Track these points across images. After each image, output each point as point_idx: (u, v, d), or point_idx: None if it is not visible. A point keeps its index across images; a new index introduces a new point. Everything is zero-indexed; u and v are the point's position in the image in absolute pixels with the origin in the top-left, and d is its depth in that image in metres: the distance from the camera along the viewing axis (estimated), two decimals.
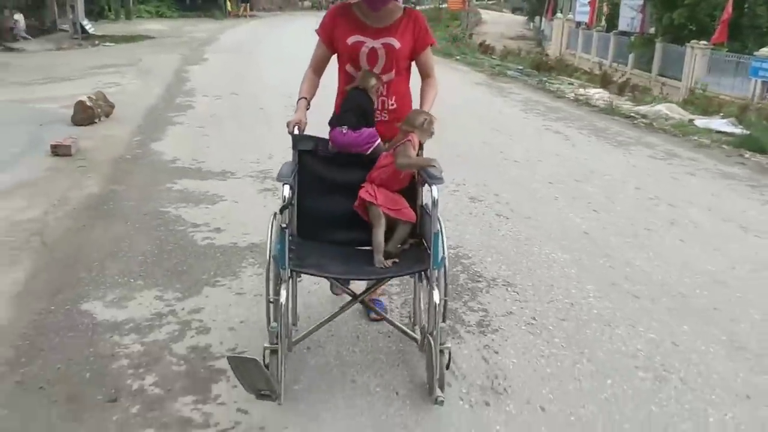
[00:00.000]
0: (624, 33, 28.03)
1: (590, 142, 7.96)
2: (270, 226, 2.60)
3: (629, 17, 27.91)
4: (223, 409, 2.63)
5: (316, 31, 2.99)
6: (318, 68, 3.01)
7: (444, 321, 2.57)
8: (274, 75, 12.32)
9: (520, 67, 15.20)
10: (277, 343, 2.53)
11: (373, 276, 2.72)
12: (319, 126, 2.98)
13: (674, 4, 23.10)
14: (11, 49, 18.23)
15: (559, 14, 37.23)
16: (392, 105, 2.95)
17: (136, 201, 5.14)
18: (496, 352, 3.10)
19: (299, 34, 18.99)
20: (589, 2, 31.92)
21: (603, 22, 31.79)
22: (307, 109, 2.94)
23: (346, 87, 2.93)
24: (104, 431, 2.49)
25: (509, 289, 3.79)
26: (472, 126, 8.57)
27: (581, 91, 11.58)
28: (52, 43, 19.85)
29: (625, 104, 10.46)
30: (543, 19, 42.69)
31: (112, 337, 3.15)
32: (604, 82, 12.89)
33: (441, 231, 2.53)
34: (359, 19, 2.89)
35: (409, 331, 2.99)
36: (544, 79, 13.19)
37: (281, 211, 2.54)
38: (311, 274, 2.75)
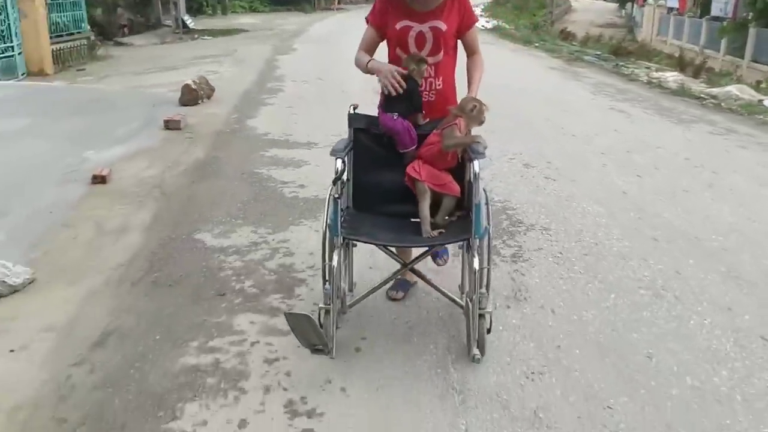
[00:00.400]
0: (716, 18, 27.20)
1: (652, 120, 8.36)
2: (327, 198, 2.84)
3: (722, 2, 27.09)
4: (303, 303, 3.47)
5: (366, 18, 3.18)
6: (369, 50, 3.17)
7: (485, 288, 2.80)
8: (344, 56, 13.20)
9: (598, 53, 15.43)
10: (329, 304, 2.75)
11: (418, 244, 2.98)
12: (367, 107, 3.34)
13: None
14: (121, 44, 20.03)
15: (650, 0, 36.35)
16: (439, 85, 3.11)
17: (235, 164, 6.10)
18: (523, 275, 3.79)
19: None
20: None
21: (695, 8, 30.87)
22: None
23: None
24: (216, 313, 3.38)
25: (544, 232, 4.45)
26: (538, 106, 9.12)
27: (655, 74, 11.81)
28: (157, 37, 21.60)
29: (698, 86, 10.65)
30: (634, 5, 41.72)
31: (219, 256, 4.06)
32: (681, 65, 12.99)
33: (484, 202, 2.77)
34: (407, 4, 3.06)
35: (455, 298, 3.16)
36: (621, 63, 13.42)
37: (334, 182, 2.77)
38: (362, 241, 3.01)
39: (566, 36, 19.69)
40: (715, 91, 9.99)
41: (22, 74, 12.67)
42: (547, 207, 4.94)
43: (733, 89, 9.85)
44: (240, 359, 2.93)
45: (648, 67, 13.09)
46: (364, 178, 3.12)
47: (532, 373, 2.81)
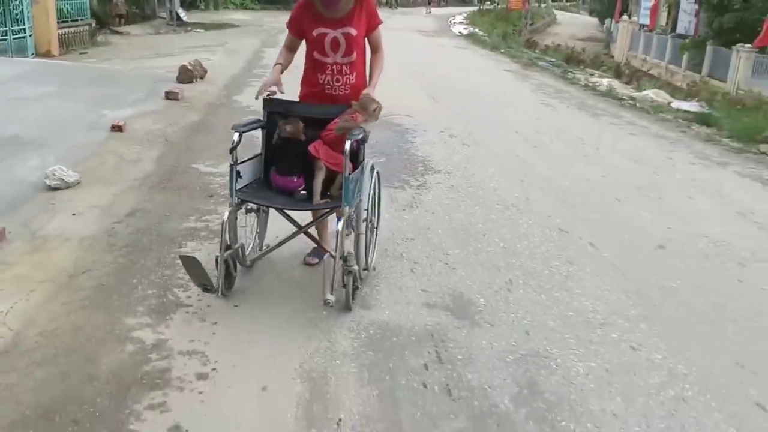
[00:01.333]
0: (681, 36, 29.34)
1: (572, 113, 10.16)
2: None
3: (687, 21, 29.22)
4: None
5: (286, 24, 3.69)
6: (291, 50, 3.69)
7: (357, 249, 3.46)
8: None
9: (552, 60, 17.27)
10: (224, 253, 3.34)
11: (300, 207, 3.56)
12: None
13: (725, 8, 24.43)
14: (118, 33, 21.59)
15: (625, 16, 38.48)
16: (353, 80, 3.60)
17: (222, 125, 7.77)
18: (421, 195, 5.52)
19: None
20: (651, 5, 33.23)
21: (664, 24, 32.93)
22: (281, 71, 3.61)
23: (280, 135, 3.54)
24: (206, 204, 5.05)
25: (446, 174, 6.19)
26: (483, 97, 10.90)
27: (593, 79, 13.63)
28: (151, 28, 23.18)
29: (625, 90, 12.47)
30: (612, 20, 43.88)
31: (209, 177, 5.75)
32: (618, 73, 14.85)
33: (367, 179, 3.52)
34: (320, 12, 3.52)
35: (330, 250, 3.58)
36: (569, 69, 15.25)
37: (230, 152, 3.32)
38: (256, 203, 3.56)
39: (531, 45, 21.53)
40: (635, 94, 11.83)
41: (32, 54, 14.25)
42: (455, 161, 6.69)
43: (650, 93, 11.69)
44: (220, 225, 4.63)
45: (591, 74, 14.92)
46: (273, 154, 3.63)
47: (405, 240, 4.53)
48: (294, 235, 3.68)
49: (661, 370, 3.08)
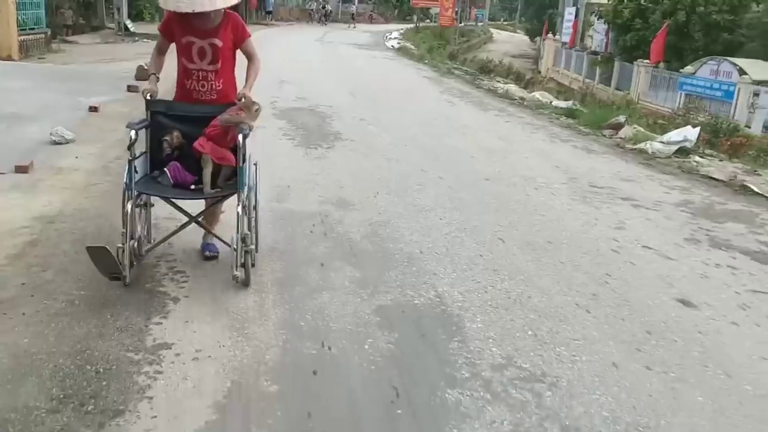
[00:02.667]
0: (595, 53, 32.68)
1: (467, 107, 12.55)
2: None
3: (599, 39, 32.61)
4: None
5: (158, 28, 4.10)
6: (162, 52, 4.08)
7: (251, 230, 3.88)
8: (277, 57, 17.15)
9: (467, 69, 19.82)
10: (123, 243, 3.61)
11: (198, 197, 3.88)
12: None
13: (627, 28, 27.72)
14: (68, 42, 23.17)
15: (550, 35, 41.90)
16: (219, 87, 3.96)
17: None
18: (328, 153, 7.71)
19: (299, 36, 24.27)
20: (572, 24, 36.62)
21: (583, 42, 36.27)
22: (157, 80, 4.00)
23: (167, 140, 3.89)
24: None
25: (350, 141, 8.40)
26: (397, 96, 13.21)
27: (496, 84, 16.15)
28: (100, 38, 24.78)
29: (520, 93, 14.99)
30: (541, 39, 47.39)
31: None
32: (518, 79, 17.45)
33: (251, 169, 3.90)
34: (190, 22, 3.80)
35: (227, 241, 3.96)
36: (479, 77, 17.78)
37: (128, 148, 3.57)
38: (152, 195, 3.90)
39: (453, 57, 24.11)
40: (526, 95, 14.35)
41: None
42: (359, 133, 8.91)
43: (537, 94, 14.23)
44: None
45: (498, 81, 17.46)
46: (159, 151, 3.93)
47: (314, 174, 6.68)
48: (185, 225, 4.06)
49: (450, 227, 5.32)
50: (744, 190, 7.20)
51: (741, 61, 20.74)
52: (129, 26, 25.79)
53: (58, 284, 3.82)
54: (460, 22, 54.23)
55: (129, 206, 3.59)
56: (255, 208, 4.07)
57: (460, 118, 11.12)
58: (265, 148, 7.03)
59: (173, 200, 3.95)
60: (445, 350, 3.36)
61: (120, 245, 3.61)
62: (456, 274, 4.32)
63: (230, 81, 4.08)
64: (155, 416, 2.71)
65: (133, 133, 3.61)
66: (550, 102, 13.65)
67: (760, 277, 4.63)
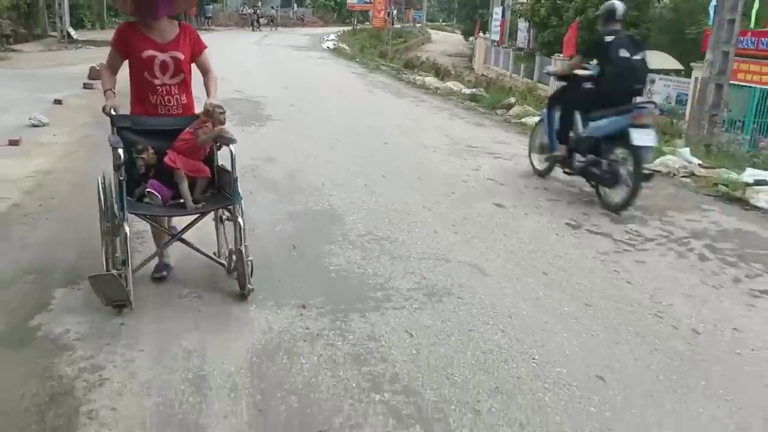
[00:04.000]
0: (520, 49, 35.34)
1: (384, 96, 14.53)
2: (100, 184, 3.88)
3: (522, 37, 35.28)
4: None
5: (111, 43, 3.94)
6: (115, 70, 4.00)
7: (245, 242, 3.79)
8: (217, 58, 18.86)
9: (394, 65, 21.88)
10: (121, 269, 3.56)
11: (191, 212, 3.86)
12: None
13: (545, 26, 30.38)
14: (11, 50, 24.31)
15: (482, 34, 44.51)
16: (184, 101, 3.98)
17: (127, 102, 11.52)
18: (262, 129, 9.57)
19: (240, 41, 26.13)
20: (499, 23, 39.28)
21: (511, 40, 38.92)
22: (114, 96, 3.93)
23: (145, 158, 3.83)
24: None
25: (280, 121, 10.28)
26: (325, 89, 15.10)
27: (417, 77, 18.22)
28: (43, 46, 25.93)
29: (437, 84, 17.05)
30: (474, 38, 50.03)
31: None
32: (437, 73, 19.59)
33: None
34: (147, 36, 3.83)
35: (217, 259, 4.19)
36: (403, 72, 19.84)
37: (116, 169, 3.49)
38: (143, 215, 3.85)
39: (383, 56, 26.14)
40: (440, 85, 16.44)
41: None
42: (287, 116, 10.77)
43: (450, 84, 16.33)
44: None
45: (420, 74, 19.53)
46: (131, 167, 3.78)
47: (248, 146, 8.55)
48: (168, 242, 4.02)
49: (349, 171, 7.25)
50: None
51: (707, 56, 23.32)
52: (72, 34, 27.00)
53: (64, 205, 5.61)
54: (398, 24, 56.58)
55: (127, 229, 3.48)
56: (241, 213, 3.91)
57: (376, 104, 13.11)
58: None
59: (155, 217, 3.93)
60: (329, 229, 5.29)
61: (115, 271, 3.59)
62: (345, 195, 6.25)
63: (191, 94, 4.05)
64: None
65: (120, 151, 3.49)
66: (460, 90, 15.75)
67: (557, 189, 6.72)
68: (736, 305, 4.20)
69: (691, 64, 20.64)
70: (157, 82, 3.88)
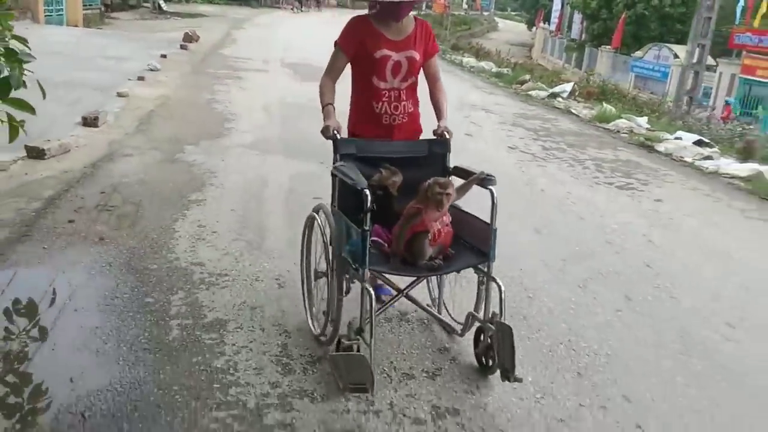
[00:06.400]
0: (573, 40, 37.60)
1: None
2: (320, 224, 3.16)
3: (576, 29, 37.52)
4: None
5: (336, 42, 3.29)
6: (336, 77, 3.32)
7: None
8: (280, 35, 22.30)
9: (442, 47, 24.82)
10: (355, 340, 2.78)
11: (445, 271, 3.04)
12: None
13: (595, 18, 32.64)
14: (111, 17, 28.36)
15: (542, 24, 46.73)
16: (410, 108, 3.39)
17: (215, 62, 14.93)
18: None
19: (304, 21, 29.64)
20: (557, 14, 41.51)
21: (568, 31, 41.12)
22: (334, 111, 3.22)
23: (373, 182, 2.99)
24: (228, 73, 12.27)
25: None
26: None
27: (457, 58, 21.14)
28: (137, 15, 29.99)
29: (471, 62, 19.93)
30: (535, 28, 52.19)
31: (212, 71, 12.94)
32: (476, 54, 22.43)
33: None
34: (381, 33, 3.26)
35: (449, 321, 3.47)
36: (448, 52, 22.78)
37: (365, 214, 2.69)
38: (387, 273, 3.03)
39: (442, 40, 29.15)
40: (475, 64, 19.34)
41: (65, 26, 21.08)
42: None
43: (483, 64, 19.21)
44: (234, 81, 11.92)
45: (464, 56, 22.40)
46: (349, 200, 3.01)
47: (237, 95, 11.78)
48: (394, 299, 3.28)
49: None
50: (569, 113, 12.22)
51: (676, 47, 25.55)
52: (162, 5, 30.98)
53: (180, 113, 8.95)
54: (463, 11, 58.96)
55: (369, 287, 2.74)
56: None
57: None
58: (277, 84, 12.20)
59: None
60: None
61: (348, 342, 2.80)
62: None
63: (418, 102, 3.46)
64: None
65: (367, 193, 2.70)
66: (491, 68, 18.64)
67: (521, 133, 9.68)
68: (583, 187, 7.11)
69: (717, 59, 22.95)
70: (385, 86, 3.29)
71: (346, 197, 3.08)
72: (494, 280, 3.00)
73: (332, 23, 32.01)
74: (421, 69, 3.42)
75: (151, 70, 12.18)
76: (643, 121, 11.43)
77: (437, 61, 3.54)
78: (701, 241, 5.46)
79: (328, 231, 3.12)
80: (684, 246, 5.26)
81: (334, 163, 3.09)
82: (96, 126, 7.33)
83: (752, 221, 6.20)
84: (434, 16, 50.96)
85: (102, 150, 6.62)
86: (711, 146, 9.62)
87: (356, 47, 3.30)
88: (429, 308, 3.56)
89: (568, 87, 14.63)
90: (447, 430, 2.78)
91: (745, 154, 8.81)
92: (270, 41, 20.95)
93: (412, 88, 3.41)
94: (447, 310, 3.58)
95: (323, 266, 3.24)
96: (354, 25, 3.35)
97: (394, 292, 3.33)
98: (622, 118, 11.39)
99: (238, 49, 17.91)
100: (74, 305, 3.57)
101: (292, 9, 42.59)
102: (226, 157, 6.83)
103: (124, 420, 2.64)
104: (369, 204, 2.71)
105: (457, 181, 3.08)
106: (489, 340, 3.06)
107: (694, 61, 13.98)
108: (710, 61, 24.41)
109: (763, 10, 18.30)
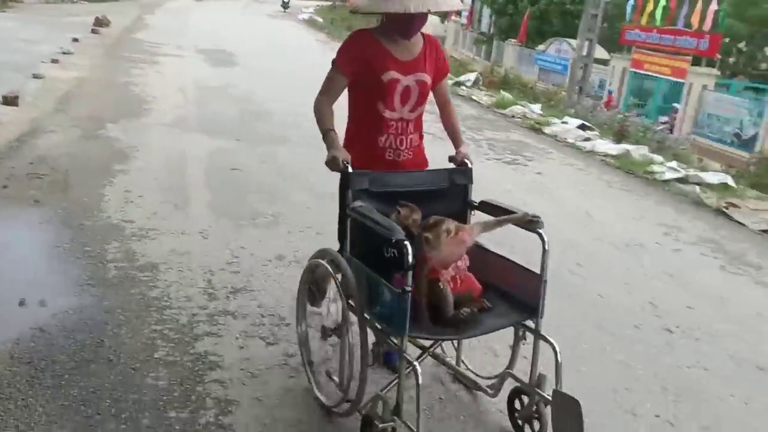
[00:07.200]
0: (483, 34, 39.16)
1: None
2: (336, 282, 2.58)
3: (485, 23, 39.09)
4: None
5: (333, 61, 2.76)
6: (334, 99, 2.77)
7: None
8: (192, 22, 22.45)
9: None
10: (392, 420, 2.33)
11: (481, 332, 2.47)
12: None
13: (503, 13, 34.21)
14: (16, 0, 27.53)
15: (454, 17, 48.16)
16: (416, 142, 2.89)
17: (129, 46, 15.11)
18: (229, 71, 13.27)
19: (215, 8, 29.73)
20: (469, 9, 43.00)
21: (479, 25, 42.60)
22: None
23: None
24: (143, 54, 12.56)
25: (242, 65, 13.98)
26: (285, 47, 18.79)
27: None
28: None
29: None
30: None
31: (126, 53, 13.20)
32: None
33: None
34: (389, 51, 2.72)
35: (482, 384, 2.92)
36: None
37: (406, 270, 2.16)
38: (427, 338, 2.55)
39: (349, 28, 29.74)
40: None
41: None
42: (251, 63, 14.48)
43: None
44: (149, 65, 12.25)
45: None
46: (362, 245, 2.57)
47: (223, 70, 12.24)
48: (421, 357, 2.71)
49: (280, 81, 11.02)
50: (471, 99, 13.19)
51: (575, 42, 27.22)
52: None
53: (95, 94, 9.30)
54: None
55: (414, 362, 2.30)
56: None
57: (327, 64, 16.81)
58: (191, 68, 12.59)
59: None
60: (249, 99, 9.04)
61: (387, 424, 2.34)
62: (263, 85, 10.00)
63: (422, 133, 2.98)
64: None
65: (409, 247, 2.17)
66: None
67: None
68: (477, 163, 7.98)
69: (611, 54, 24.72)
70: (393, 115, 2.78)
71: (361, 242, 2.57)
72: (545, 339, 2.50)
73: (246, 12, 32.55)
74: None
75: (65, 53, 12.34)
76: (536, 107, 12.55)
77: (446, 81, 3.04)
78: (568, 205, 6.41)
79: (340, 293, 2.55)
80: (553, 208, 6.18)
81: (343, 200, 2.62)
82: (16, 105, 7.64)
83: (614, 190, 7.25)
84: (350, 7, 51.57)
85: (25, 126, 6.98)
86: (592, 130, 10.77)
87: (358, 68, 2.73)
88: (449, 362, 3.07)
89: (472, 76, 15.68)
90: None
91: (619, 136, 9.98)
92: (182, 27, 21.12)
93: (420, 118, 2.91)
94: (465, 364, 3.10)
95: (331, 322, 2.82)
96: (356, 41, 2.79)
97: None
98: (518, 104, 12.46)
99: (150, 34, 18.11)
100: (22, 251, 4.10)
101: None
102: (146, 134, 7.32)
103: (79, 333, 3.22)
104: (411, 259, 2.17)
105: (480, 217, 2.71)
106: (535, 407, 2.59)
107: (584, 54, 15.25)
108: (607, 55, 26.28)
109: (649, 8, 19.89)
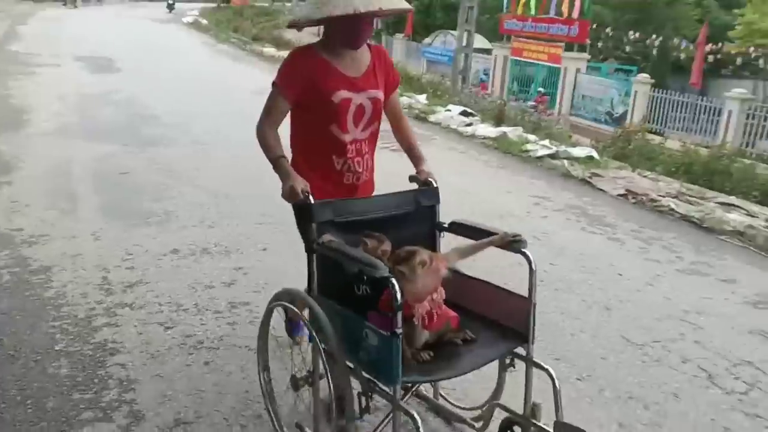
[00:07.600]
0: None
1: (220, 59, 18.17)
2: (311, 331, 2.26)
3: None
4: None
5: (274, 83, 2.51)
6: (277, 124, 2.53)
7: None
8: (67, 30, 21.73)
9: (244, 38, 25.42)
10: None
11: (474, 367, 2.23)
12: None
13: None
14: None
15: None
16: (370, 162, 2.70)
17: (3, 57, 14.54)
18: (119, 74, 13.06)
19: (89, 16, 28.80)
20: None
21: None
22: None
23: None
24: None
25: (125, 70, 13.79)
26: (170, 50, 18.54)
27: (258, 47, 21.93)
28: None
29: (270, 52, 20.82)
30: None
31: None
32: (277, 44, 23.43)
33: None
34: (336, 68, 2.50)
35: (466, 416, 2.73)
36: (250, 44, 23.50)
37: (396, 311, 1.94)
38: (423, 382, 2.48)
39: (236, 30, 29.50)
40: (275, 53, 20.28)
41: None
42: (134, 67, 14.28)
43: (282, 52, 20.20)
44: (26, 76, 11.87)
45: (265, 46, 23.22)
46: (330, 282, 2.33)
47: (103, 76, 12.04)
48: (408, 396, 2.64)
49: (174, 83, 11.01)
50: None
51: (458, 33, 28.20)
52: None
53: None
54: (271, 2, 59.21)
55: (411, 410, 2.05)
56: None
57: (214, 65, 16.80)
58: (71, 76, 12.31)
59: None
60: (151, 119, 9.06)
61: None
62: (147, 89, 10.02)
63: (374, 153, 2.74)
64: None
65: (397, 288, 1.94)
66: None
67: None
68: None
69: (492, 43, 25.81)
70: (347, 138, 2.58)
71: (327, 279, 2.33)
72: (540, 366, 2.31)
73: (122, 16, 31.65)
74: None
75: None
76: (422, 98, 13.09)
77: (397, 93, 2.81)
78: (448, 183, 6.74)
79: (319, 326, 2.21)
80: None
81: (305, 234, 2.36)
82: None
83: (491, 169, 7.80)
84: (234, 8, 51.13)
85: None
86: (474, 115, 11.39)
87: (303, 90, 2.49)
88: (428, 396, 2.87)
89: None
90: None
91: (498, 120, 10.63)
92: (57, 36, 20.43)
93: (374, 136, 2.70)
94: (443, 396, 2.88)
95: (304, 372, 2.54)
96: (298, 59, 2.53)
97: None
98: (403, 96, 12.93)
99: (25, 44, 17.51)
100: None
101: (64, 3, 40.82)
102: (29, 144, 7.27)
103: None
104: (400, 298, 1.93)
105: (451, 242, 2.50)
106: None
107: (464, 45, 15.97)
108: (489, 45, 27.39)
109: None
